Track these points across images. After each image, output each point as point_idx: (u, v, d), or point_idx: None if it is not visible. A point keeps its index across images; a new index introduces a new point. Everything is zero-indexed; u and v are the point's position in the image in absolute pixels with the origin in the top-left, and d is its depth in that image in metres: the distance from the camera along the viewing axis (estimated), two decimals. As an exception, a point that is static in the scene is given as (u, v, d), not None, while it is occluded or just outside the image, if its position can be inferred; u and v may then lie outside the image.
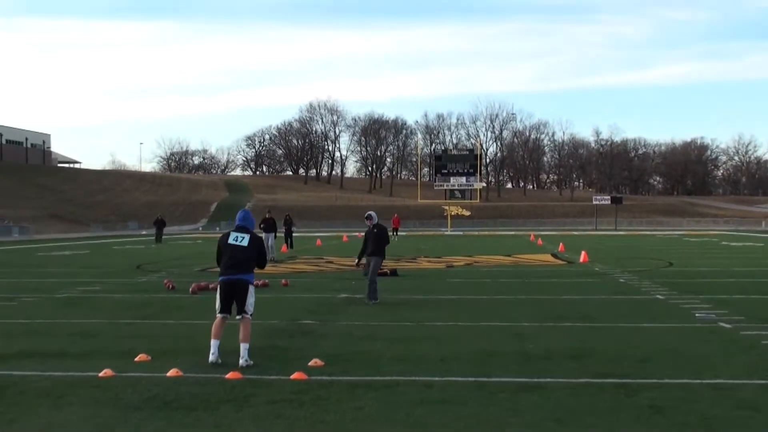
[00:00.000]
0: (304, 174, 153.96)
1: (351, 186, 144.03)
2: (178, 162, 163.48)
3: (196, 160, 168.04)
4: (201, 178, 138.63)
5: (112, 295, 15.63)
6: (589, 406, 6.37)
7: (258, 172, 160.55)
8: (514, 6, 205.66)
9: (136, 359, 8.41)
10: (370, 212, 14.32)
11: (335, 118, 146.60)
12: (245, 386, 7.13)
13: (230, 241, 8.55)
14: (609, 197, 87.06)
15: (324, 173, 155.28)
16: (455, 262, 25.15)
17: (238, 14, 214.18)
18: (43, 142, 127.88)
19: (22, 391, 7.07)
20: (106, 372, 7.66)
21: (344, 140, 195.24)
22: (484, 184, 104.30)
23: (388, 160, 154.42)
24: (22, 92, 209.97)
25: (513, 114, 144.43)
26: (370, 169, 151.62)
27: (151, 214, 65.67)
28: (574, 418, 6.03)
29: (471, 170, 74.21)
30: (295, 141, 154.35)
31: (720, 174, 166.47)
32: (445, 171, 74.94)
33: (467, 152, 79.82)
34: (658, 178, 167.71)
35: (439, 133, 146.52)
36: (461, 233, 66.07)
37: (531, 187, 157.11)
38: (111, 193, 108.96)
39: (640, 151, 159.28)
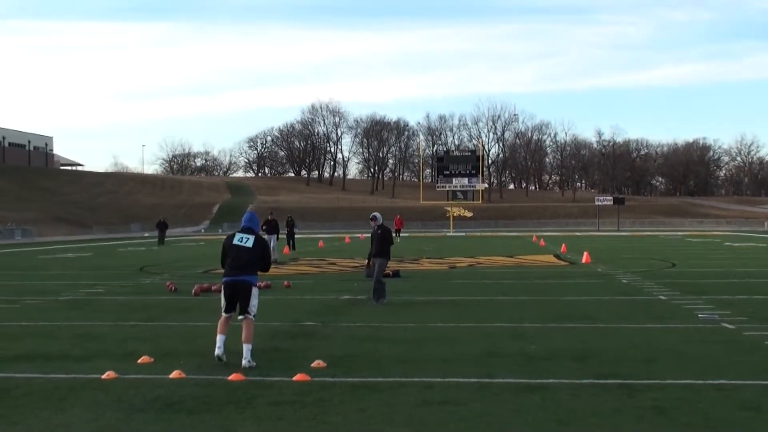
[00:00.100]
0: (306, 176, 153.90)
1: (353, 187, 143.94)
2: (180, 164, 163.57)
3: (199, 162, 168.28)
4: (203, 180, 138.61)
5: (115, 297, 15.65)
6: (591, 407, 6.37)
7: (260, 174, 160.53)
8: (516, 7, 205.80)
9: (138, 361, 8.42)
10: (374, 213, 14.32)
11: (337, 119, 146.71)
12: (248, 388, 7.14)
13: (235, 242, 8.56)
14: (611, 198, 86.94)
15: (326, 175, 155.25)
16: (458, 264, 25.14)
17: (240, 16, 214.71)
18: (46, 144, 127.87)
19: (25, 393, 7.08)
20: (108, 374, 7.67)
21: (346, 142, 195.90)
22: (487, 185, 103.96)
23: (390, 161, 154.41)
24: (24, 95, 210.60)
25: (515, 115, 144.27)
26: (372, 170, 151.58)
27: (154, 216, 65.63)
28: (576, 419, 6.03)
29: (473, 171, 74.09)
30: (297, 142, 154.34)
31: (722, 175, 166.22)
32: (447, 172, 74.81)
33: (469, 153, 79.64)
34: (660, 179, 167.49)
35: (441, 134, 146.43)
36: (463, 234, 66.07)
37: (533, 188, 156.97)
38: (113, 195, 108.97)
39: (643, 152, 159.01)
